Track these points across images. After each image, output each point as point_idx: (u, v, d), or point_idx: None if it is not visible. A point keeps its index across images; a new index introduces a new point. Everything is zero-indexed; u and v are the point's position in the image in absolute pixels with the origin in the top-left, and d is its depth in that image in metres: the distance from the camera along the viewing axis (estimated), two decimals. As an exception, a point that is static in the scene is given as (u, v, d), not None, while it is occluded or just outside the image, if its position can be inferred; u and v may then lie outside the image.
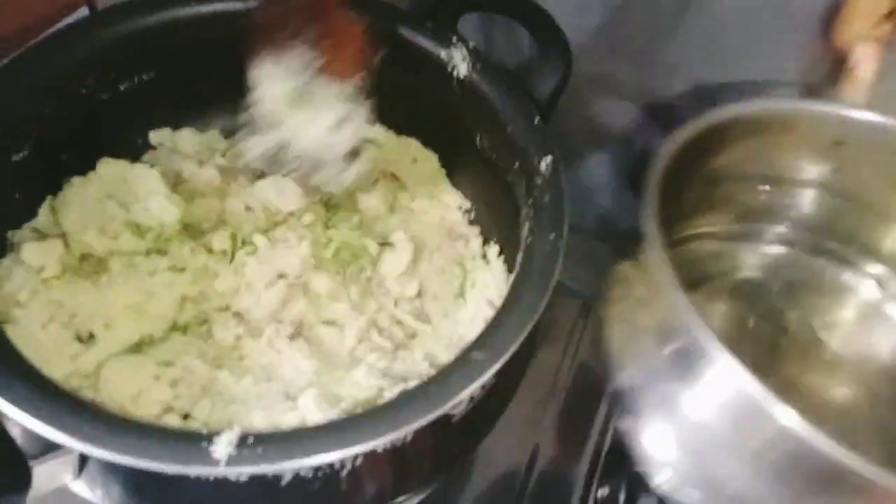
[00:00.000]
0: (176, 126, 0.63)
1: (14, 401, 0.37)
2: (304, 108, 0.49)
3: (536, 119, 0.53)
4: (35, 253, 0.51)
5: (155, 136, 0.62)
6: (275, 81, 0.49)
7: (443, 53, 0.56)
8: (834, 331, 0.50)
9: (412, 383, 0.48)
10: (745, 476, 0.35)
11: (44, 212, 0.55)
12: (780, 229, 0.54)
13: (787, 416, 0.31)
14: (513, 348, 0.42)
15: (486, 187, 0.61)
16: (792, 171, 0.51)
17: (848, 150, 0.47)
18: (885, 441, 0.33)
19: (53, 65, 0.51)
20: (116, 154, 0.58)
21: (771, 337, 0.50)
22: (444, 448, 0.50)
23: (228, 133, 0.65)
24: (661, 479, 0.41)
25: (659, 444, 0.40)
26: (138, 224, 0.54)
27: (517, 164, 0.53)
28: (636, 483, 0.58)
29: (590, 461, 0.61)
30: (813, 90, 0.51)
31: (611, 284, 0.48)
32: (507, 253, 0.58)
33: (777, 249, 0.54)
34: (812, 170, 0.50)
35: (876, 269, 0.51)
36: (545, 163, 0.51)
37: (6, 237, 0.53)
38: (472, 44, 0.56)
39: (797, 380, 0.46)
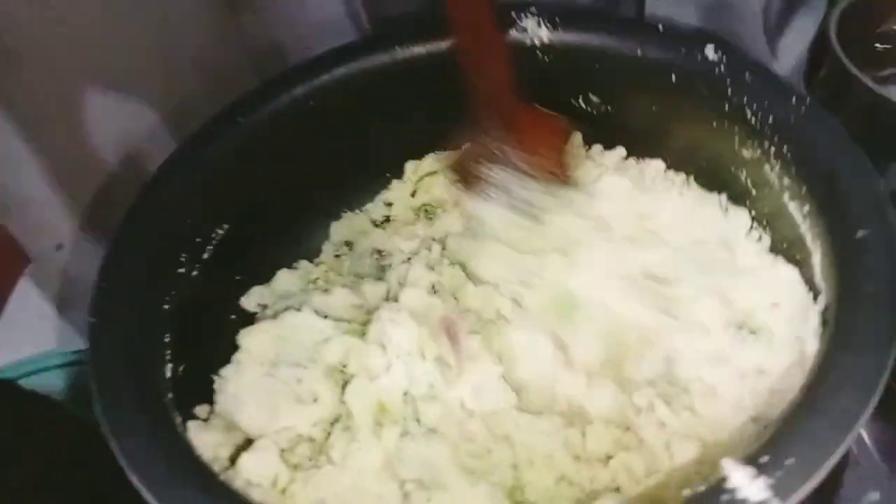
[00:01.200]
0: (264, 280, 0.52)
1: None
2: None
3: (661, 28, 0.47)
4: (256, 465, 0.39)
5: (248, 301, 0.51)
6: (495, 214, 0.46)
7: (513, 33, 0.50)
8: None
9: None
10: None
11: (195, 431, 0.42)
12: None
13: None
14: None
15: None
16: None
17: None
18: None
19: (154, 251, 0.41)
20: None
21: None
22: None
23: (312, 256, 0.55)
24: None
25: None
26: (330, 366, 0.43)
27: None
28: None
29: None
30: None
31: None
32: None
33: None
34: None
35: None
36: (710, 51, 0.45)
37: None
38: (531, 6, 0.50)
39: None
